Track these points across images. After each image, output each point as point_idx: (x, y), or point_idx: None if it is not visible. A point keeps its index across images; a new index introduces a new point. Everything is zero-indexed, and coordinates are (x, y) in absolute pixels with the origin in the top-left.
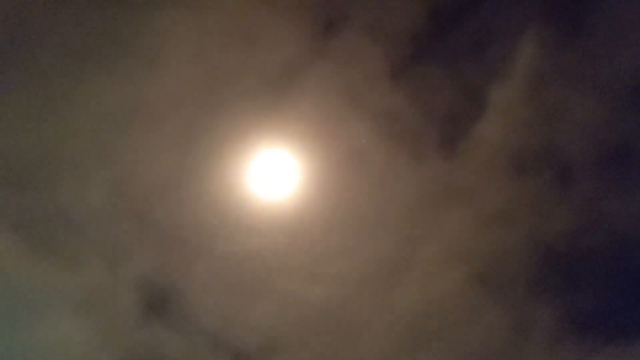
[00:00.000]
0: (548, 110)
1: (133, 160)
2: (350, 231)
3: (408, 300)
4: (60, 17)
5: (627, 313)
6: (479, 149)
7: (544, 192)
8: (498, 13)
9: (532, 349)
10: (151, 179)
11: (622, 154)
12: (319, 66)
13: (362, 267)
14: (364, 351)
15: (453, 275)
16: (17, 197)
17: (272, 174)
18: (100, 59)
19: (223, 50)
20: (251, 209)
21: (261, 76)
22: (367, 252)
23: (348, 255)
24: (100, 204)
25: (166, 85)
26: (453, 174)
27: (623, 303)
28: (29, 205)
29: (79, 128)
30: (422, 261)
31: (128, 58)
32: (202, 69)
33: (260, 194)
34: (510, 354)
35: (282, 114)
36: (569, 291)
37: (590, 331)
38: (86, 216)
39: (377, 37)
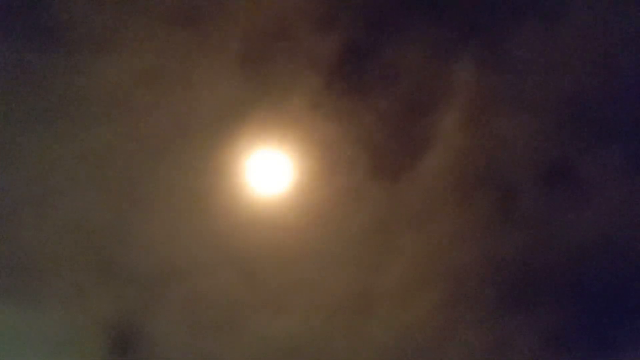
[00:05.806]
0: (488, 134)
1: (90, 202)
2: (311, 262)
3: (380, 329)
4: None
5: (595, 326)
6: (425, 176)
7: (493, 213)
8: (434, 40)
9: None
10: (109, 220)
11: (563, 170)
12: (256, 100)
13: (327, 299)
14: None
15: (421, 300)
16: None
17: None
18: (47, 110)
19: (164, 94)
20: (211, 246)
21: (201, 117)
22: (330, 283)
23: (312, 288)
24: (59, 246)
25: (113, 132)
26: (403, 199)
27: (588, 316)
28: None
29: (32, 173)
30: (388, 288)
31: (73, 106)
32: (145, 114)
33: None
34: None
35: (230, 152)
36: (536, 306)
37: (567, 346)
38: (45, 259)
39: (313, 68)
